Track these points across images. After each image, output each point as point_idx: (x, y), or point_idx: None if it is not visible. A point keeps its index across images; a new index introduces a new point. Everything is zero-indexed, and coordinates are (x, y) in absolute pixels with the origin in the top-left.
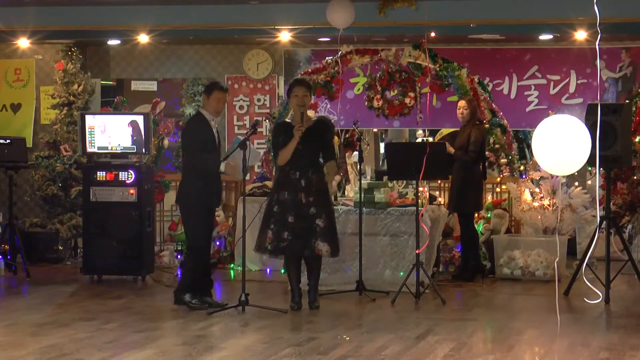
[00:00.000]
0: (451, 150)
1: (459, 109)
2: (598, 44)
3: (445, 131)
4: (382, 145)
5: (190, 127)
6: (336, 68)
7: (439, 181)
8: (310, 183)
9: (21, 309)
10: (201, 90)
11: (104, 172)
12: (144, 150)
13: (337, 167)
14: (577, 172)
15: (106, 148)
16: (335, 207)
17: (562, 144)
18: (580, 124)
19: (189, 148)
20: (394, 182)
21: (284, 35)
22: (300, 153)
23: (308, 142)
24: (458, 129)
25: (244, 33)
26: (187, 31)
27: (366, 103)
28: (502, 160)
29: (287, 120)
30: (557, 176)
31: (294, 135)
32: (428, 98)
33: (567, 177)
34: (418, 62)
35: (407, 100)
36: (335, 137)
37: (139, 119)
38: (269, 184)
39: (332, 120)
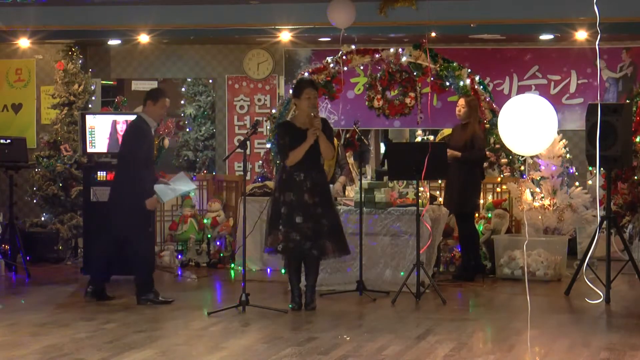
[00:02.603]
0: (457, 154)
1: (458, 106)
2: (598, 44)
3: (446, 131)
4: (382, 145)
5: (135, 137)
6: (337, 68)
7: (440, 181)
8: (315, 183)
9: (21, 308)
10: (202, 90)
11: (105, 172)
12: None
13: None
14: (578, 172)
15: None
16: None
17: (527, 122)
18: (545, 103)
19: (132, 158)
20: (395, 182)
21: (285, 35)
22: (305, 154)
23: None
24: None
25: (245, 33)
26: (187, 31)
27: (367, 103)
28: (503, 160)
29: (289, 119)
30: (556, 176)
31: (308, 137)
32: (429, 98)
33: (568, 177)
34: (418, 62)
35: (407, 100)
36: (335, 140)
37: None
38: (270, 184)
39: (333, 120)
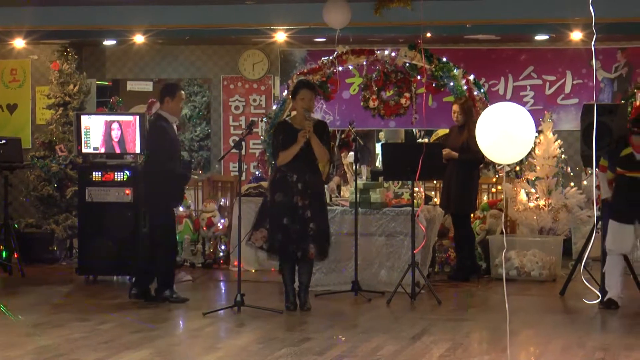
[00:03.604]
0: (454, 154)
1: (453, 113)
2: (594, 45)
3: (440, 132)
4: (377, 145)
5: (156, 136)
6: (332, 68)
7: (435, 181)
8: (307, 186)
9: (16, 309)
10: (197, 90)
11: (100, 173)
12: (138, 150)
13: (329, 161)
14: (573, 172)
15: (102, 148)
16: (331, 207)
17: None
18: (524, 112)
19: (155, 155)
20: (390, 182)
21: (280, 36)
22: (298, 157)
23: (306, 144)
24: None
25: (240, 33)
26: (182, 31)
27: (362, 103)
28: None
29: (287, 119)
30: (551, 176)
31: (298, 139)
32: (424, 98)
33: (563, 177)
34: (414, 62)
35: (402, 101)
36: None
37: (135, 120)
38: (265, 184)
39: (328, 121)
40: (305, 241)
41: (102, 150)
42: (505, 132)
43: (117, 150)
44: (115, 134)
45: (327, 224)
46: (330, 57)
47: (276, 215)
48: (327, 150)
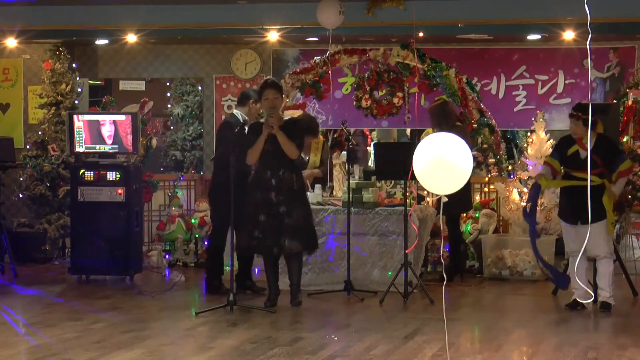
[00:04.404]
0: None
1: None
2: (589, 44)
3: (430, 131)
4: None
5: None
6: (324, 68)
7: None
8: (281, 182)
9: (9, 308)
10: (189, 89)
11: (92, 172)
12: (130, 150)
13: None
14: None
15: (94, 148)
16: (323, 207)
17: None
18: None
19: None
20: (382, 181)
21: (272, 35)
22: (271, 153)
23: (277, 142)
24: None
25: (232, 33)
26: (175, 31)
27: (354, 103)
28: (490, 160)
29: (260, 120)
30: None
31: (262, 131)
32: (416, 98)
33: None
34: (406, 62)
35: (395, 100)
36: (321, 136)
37: (127, 119)
38: None
39: (321, 120)
40: (280, 237)
41: (96, 149)
42: (441, 159)
43: (110, 147)
44: (108, 130)
45: (308, 220)
46: (323, 57)
47: (254, 213)
48: (295, 145)
